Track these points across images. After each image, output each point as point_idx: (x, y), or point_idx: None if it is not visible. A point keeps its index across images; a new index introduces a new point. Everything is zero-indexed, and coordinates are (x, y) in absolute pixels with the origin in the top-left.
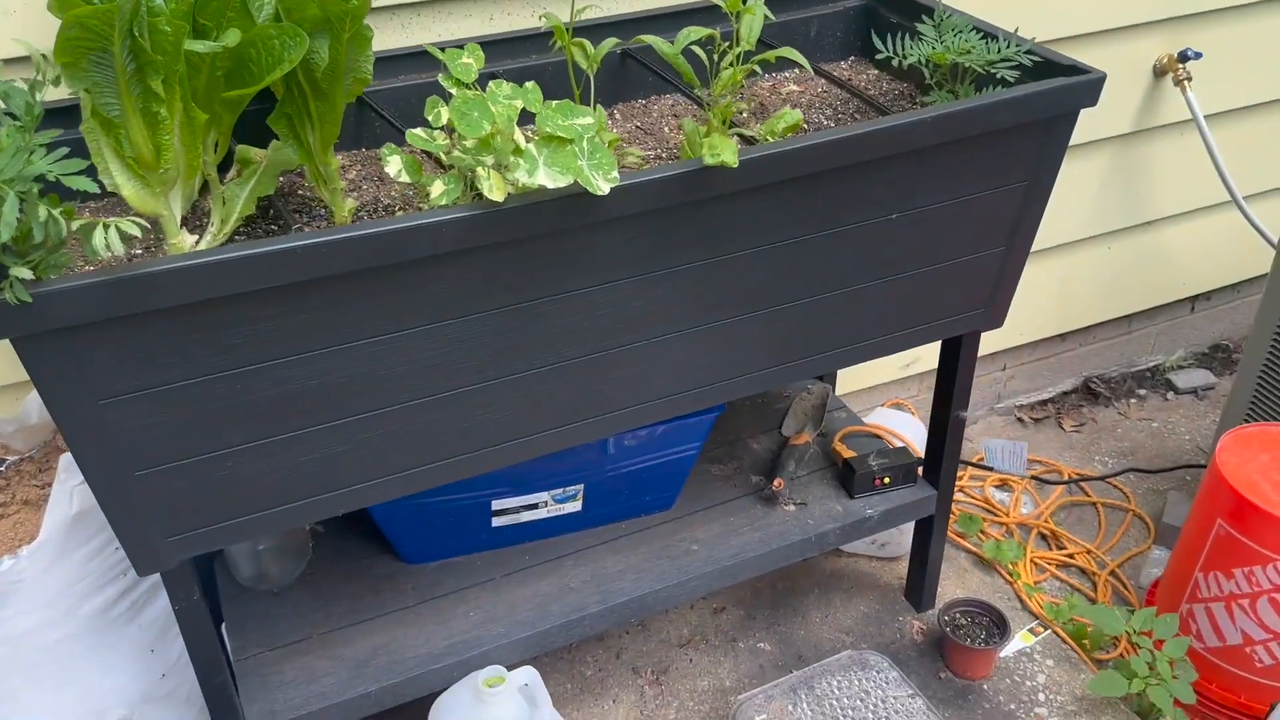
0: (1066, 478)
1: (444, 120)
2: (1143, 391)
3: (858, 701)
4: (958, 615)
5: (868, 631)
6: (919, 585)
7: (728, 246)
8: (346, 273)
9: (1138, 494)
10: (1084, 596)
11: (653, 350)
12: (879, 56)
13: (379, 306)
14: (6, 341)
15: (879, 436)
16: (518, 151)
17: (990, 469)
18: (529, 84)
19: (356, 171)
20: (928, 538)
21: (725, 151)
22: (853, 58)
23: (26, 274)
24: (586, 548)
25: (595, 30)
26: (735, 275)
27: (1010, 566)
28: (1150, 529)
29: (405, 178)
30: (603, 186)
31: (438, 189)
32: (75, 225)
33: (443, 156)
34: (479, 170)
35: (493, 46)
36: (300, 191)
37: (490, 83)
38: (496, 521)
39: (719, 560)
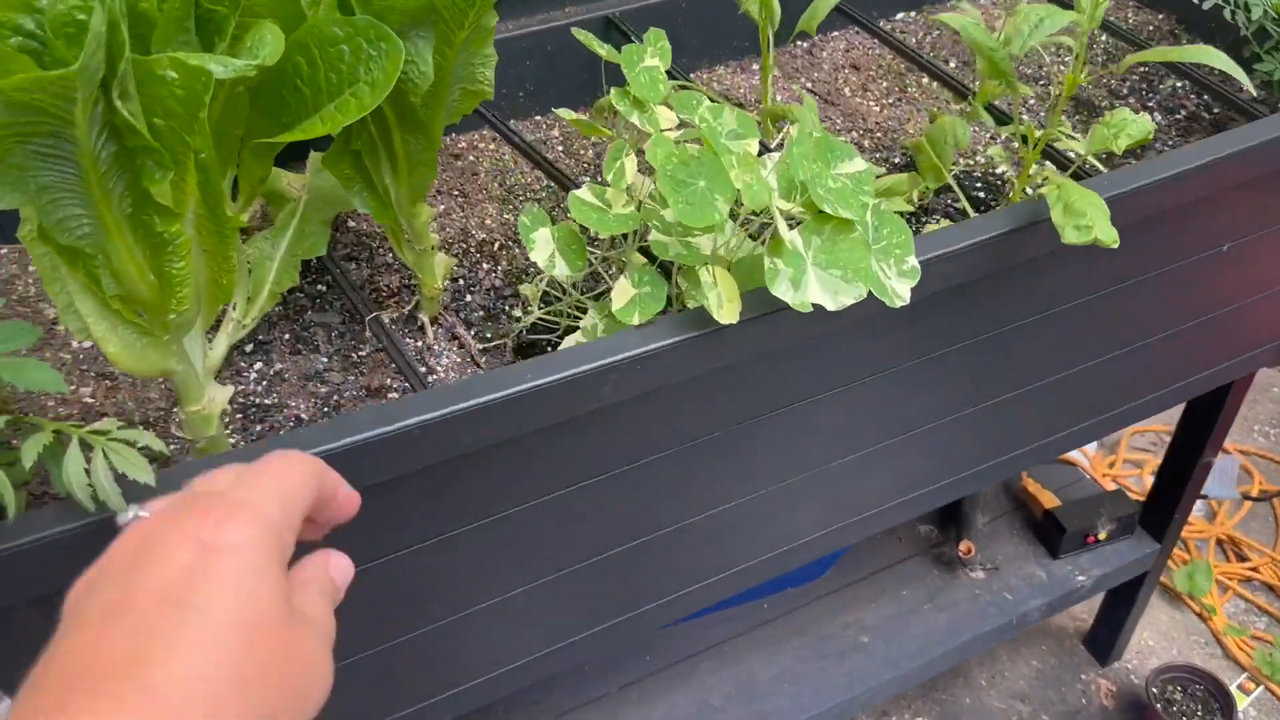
0: (1258, 492)
1: (628, 178)
2: None
3: None
4: (1169, 688)
5: (1046, 697)
6: (1109, 637)
7: (1019, 315)
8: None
9: None
10: (1276, 621)
11: (870, 460)
12: (1206, 5)
13: (498, 479)
14: None
15: (1079, 468)
16: (775, 248)
17: (1203, 496)
18: (800, 105)
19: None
20: (1135, 592)
21: (1099, 225)
22: None
23: None
24: (724, 640)
25: None
26: (1011, 349)
27: (1203, 601)
28: None
29: (562, 269)
30: (902, 292)
31: (624, 296)
32: (37, 440)
33: (615, 229)
34: (701, 274)
35: None
36: (351, 223)
37: (704, 108)
38: None
39: (899, 660)
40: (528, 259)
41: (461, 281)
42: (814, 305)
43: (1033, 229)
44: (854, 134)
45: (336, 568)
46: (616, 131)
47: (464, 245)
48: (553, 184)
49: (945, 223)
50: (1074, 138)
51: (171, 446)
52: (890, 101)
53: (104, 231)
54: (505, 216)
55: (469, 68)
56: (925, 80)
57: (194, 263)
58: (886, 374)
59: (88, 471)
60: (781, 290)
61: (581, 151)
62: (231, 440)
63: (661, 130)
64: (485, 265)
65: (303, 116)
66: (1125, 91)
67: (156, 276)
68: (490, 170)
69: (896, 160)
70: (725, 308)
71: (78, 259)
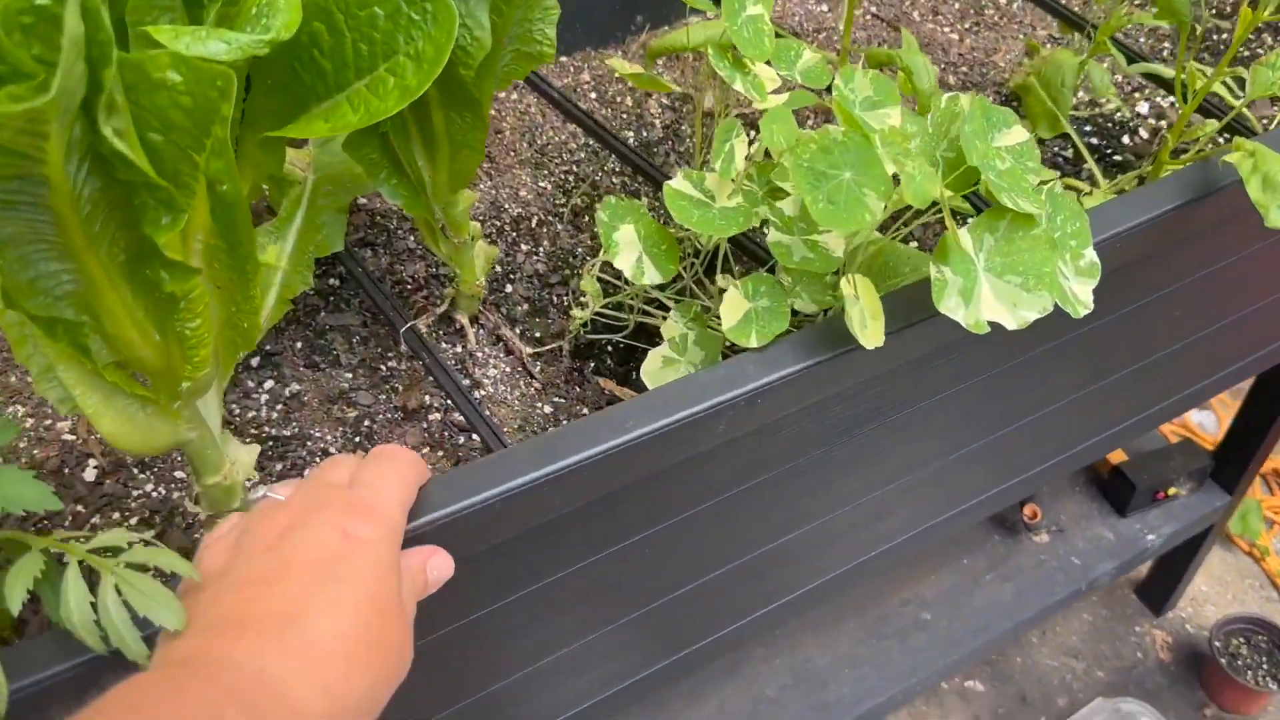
0: None
1: (738, 162)
2: None
3: None
4: (1234, 640)
5: (1100, 652)
6: (1165, 587)
7: (1159, 287)
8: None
9: None
10: None
11: (972, 457)
12: None
13: (572, 535)
14: None
15: None
16: (942, 252)
17: None
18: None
19: None
20: (1198, 544)
21: None
22: None
23: None
24: (775, 625)
25: None
26: (1143, 323)
27: (1256, 542)
28: None
29: (652, 275)
30: (1084, 297)
31: (736, 312)
32: (24, 569)
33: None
34: (844, 288)
35: None
36: (361, 200)
37: (841, 76)
38: None
39: (963, 636)
40: (573, 237)
41: (499, 268)
42: (985, 324)
43: (1209, 200)
44: (935, 69)
45: (435, 565)
46: (686, 86)
47: (497, 223)
48: (592, 141)
49: (1063, 181)
50: (1228, 84)
51: (176, 494)
52: (968, 27)
53: (92, 289)
54: (541, 184)
55: (526, 25)
56: (1003, 0)
57: (210, 315)
58: (1011, 365)
59: (94, 604)
60: (950, 306)
61: (619, 99)
62: (248, 482)
63: (769, 95)
64: (524, 247)
65: (322, 96)
66: (1228, 9)
67: (164, 337)
68: (516, 127)
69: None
70: (870, 327)
71: (57, 327)
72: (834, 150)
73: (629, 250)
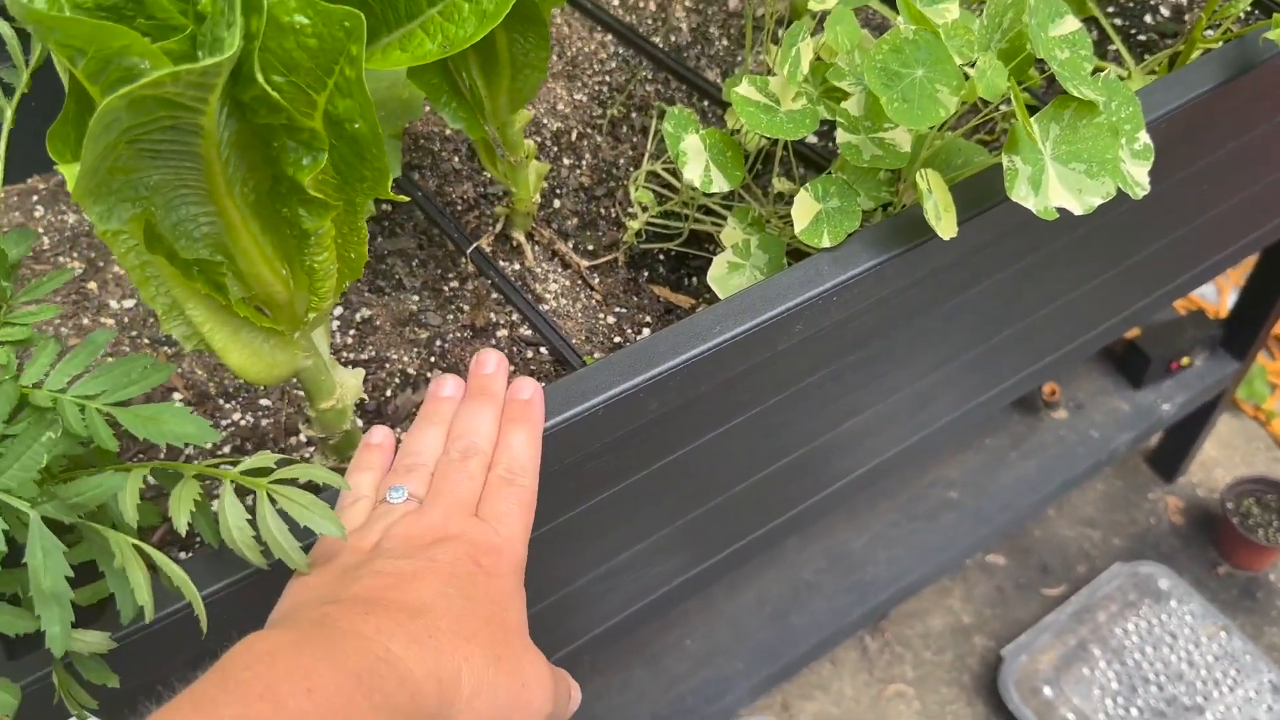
0: None
1: (804, 67)
2: None
3: (1165, 649)
4: (1245, 501)
5: (1115, 520)
6: (1176, 454)
7: (1191, 164)
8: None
9: None
10: None
11: (1013, 339)
12: None
13: (651, 438)
14: None
15: None
16: (1013, 143)
17: None
18: None
19: None
20: (1209, 411)
21: None
22: None
23: (99, 644)
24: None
25: None
26: (1169, 201)
27: (1261, 406)
28: None
29: (720, 183)
30: (1141, 179)
31: (807, 213)
32: (184, 493)
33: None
34: (918, 183)
35: None
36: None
37: None
38: None
39: (991, 513)
40: (613, 149)
41: (545, 184)
42: (1053, 210)
43: (1248, 77)
44: None
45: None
46: None
47: (538, 138)
48: (622, 49)
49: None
50: None
51: (265, 422)
52: None
53: (229, 229)
54: (577, 96)
55: None
56: None
57: (334, 248)
58: (1052, 248)
59: (251, 522)
60: (1021, 195)
61: (642, 4)
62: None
63: None
64: (567, 161)
65: (392, 25)
66: None
67: (293, 272)
68: None
69: None
70: (944, 219)
71: (193, 267)
72: (905, 49)
73: (696, 159)
